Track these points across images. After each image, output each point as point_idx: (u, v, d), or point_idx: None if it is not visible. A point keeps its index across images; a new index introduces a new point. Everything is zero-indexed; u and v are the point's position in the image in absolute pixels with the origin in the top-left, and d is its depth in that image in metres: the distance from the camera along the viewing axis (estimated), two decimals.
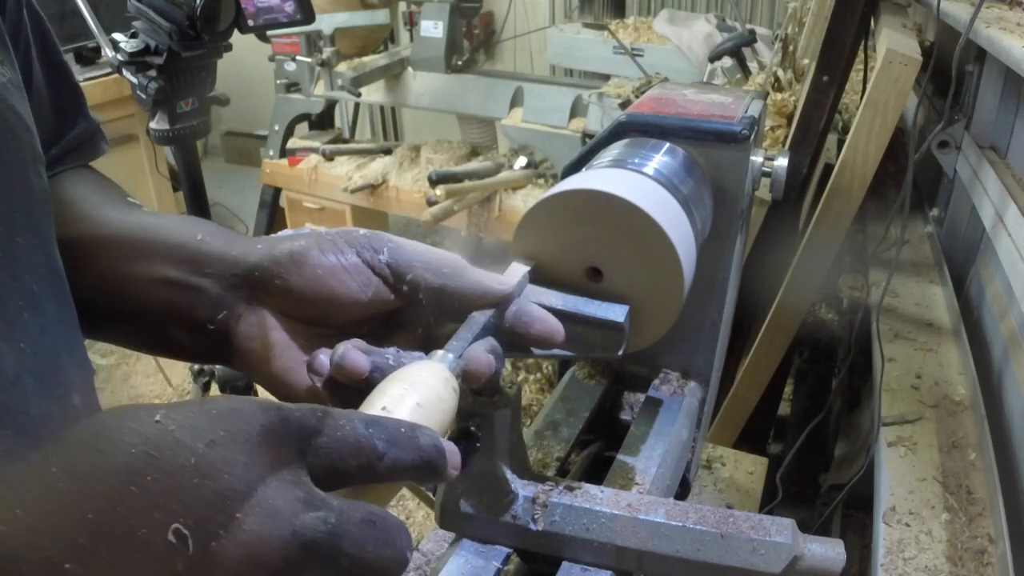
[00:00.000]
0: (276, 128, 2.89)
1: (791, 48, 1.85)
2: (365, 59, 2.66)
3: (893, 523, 0.77)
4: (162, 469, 0.28)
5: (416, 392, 0.37)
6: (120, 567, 0.27)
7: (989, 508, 0.78)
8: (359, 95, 2.52)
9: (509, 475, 0.49)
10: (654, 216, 0.48)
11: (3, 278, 0.45)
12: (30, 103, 0.52)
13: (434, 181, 2.32)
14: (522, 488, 0.50)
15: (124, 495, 0.27)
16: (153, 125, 1.22)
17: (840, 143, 1.76)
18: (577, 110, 2.38)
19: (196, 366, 1.43)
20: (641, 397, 0.71)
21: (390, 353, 0.41)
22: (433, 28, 2.48)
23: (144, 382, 2.63)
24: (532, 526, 0.49)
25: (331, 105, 3.01)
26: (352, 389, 0.40)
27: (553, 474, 0.59)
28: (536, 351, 0.47)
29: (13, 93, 0.49)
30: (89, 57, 2.98)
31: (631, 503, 0.49)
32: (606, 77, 2.65)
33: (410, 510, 2.13)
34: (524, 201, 2.41)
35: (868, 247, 1.40)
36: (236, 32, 1.23)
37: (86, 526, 0.27)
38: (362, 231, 0.49)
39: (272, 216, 3.02)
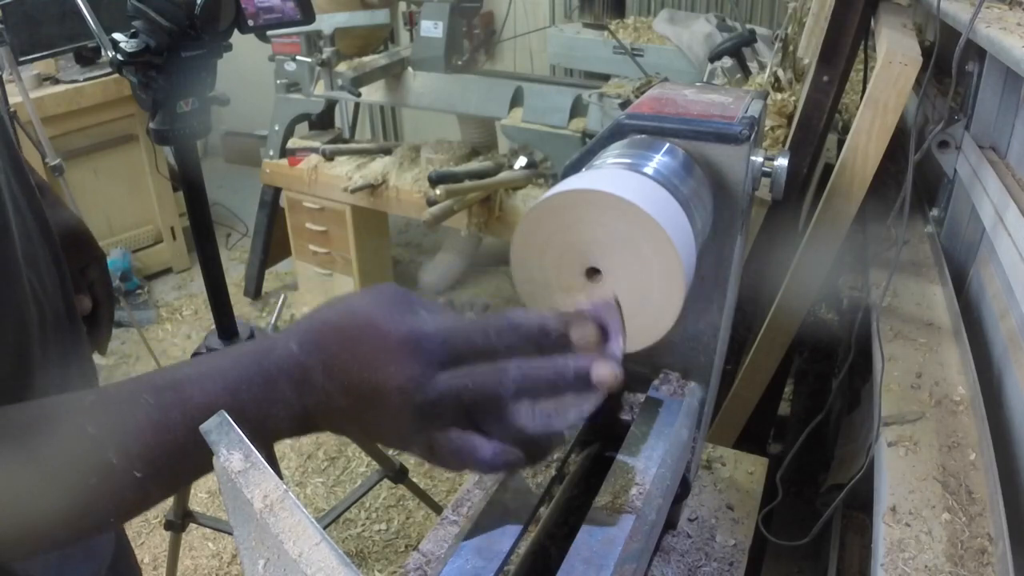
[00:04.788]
0: (276, 128, 2.89)
1: (791, 48, 1.85)
2: (365, 59, 2.66)
3: (893, 523, 0.77)
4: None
5: None
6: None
7: (989, 508, 0.78)
8: (359, 95, 2.52)
9: None
10: (654, 216, 0.48)
11: None
12: None
13: (434, 181, 2.31)
14: None
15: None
16: (153, 125, 1.22)
17: (840, 143, 1.76)
18: (577, 110, 2.37)
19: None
20: (641, 397, 0.71)
21: None
22: (433, 28, 2.48)
23: None
24: None
25: (331, 105, 3.01)
26: None
27: (553, 474, 0.59)
28: None
29: None
30: (89, 57, 2.98)
31: None
32: (606, 77, 2.65)
33: (410, 510, 2.13)
34: (524, 201, 2.41)
35: (868, 247, 1.40)
36: (236, 32, 1.23)
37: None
38: None
39: (272, 216, 3.02)
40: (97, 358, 0.80)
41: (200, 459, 0.42)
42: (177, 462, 0.43)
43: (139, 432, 0.42)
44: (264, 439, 0.44)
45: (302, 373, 0.44)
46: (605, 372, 0.44)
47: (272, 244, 3.06)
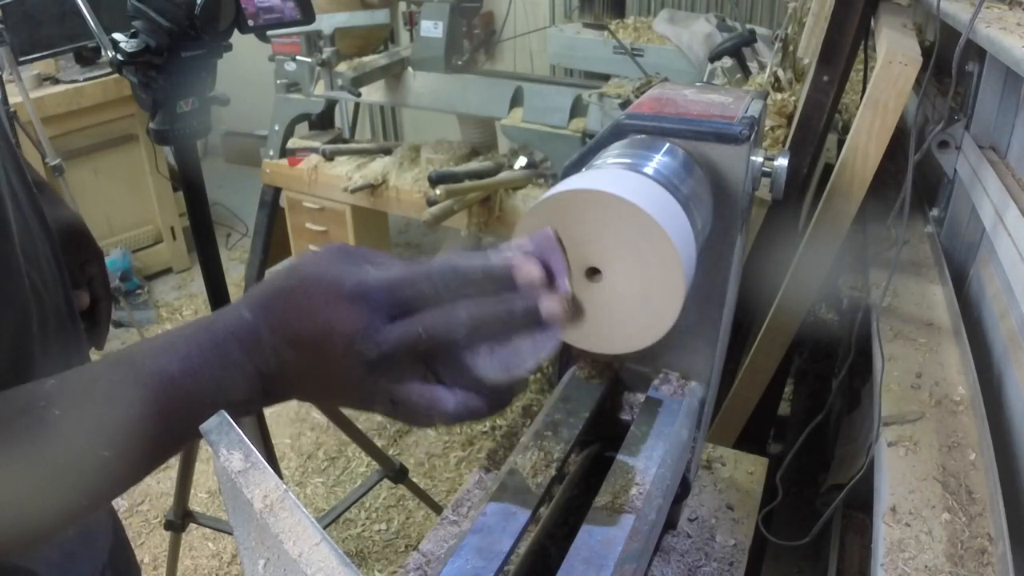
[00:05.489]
0: (276, 128, 2.89)
1: (791, 48, 1.85)
2: (365, 59, 2.66)
3: (893, 523, 0.77)
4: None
5: None
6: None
7: (989, 508, 0.78)
8: (359, 95, 2.52)
9: None
10: (654, 216, 0.48)
11: None
12: None
13: (434, 181, 2.31)
14: None
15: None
16: (153, 125, 1.22)
17: (840, 143, 1.76)
18: (577, 110, 2.37)
19: None
20: (641, 397, 0.71)
21: None
22: (433, 28, 2.48)
23: None
24: None
25: (331, 105, 3.01)
26: None
27: (553, 474, 0.59)
28: None
29: None
30: (89, 57, 2.98)
31: None
32: (606, 77, 2.65)
33: (410, 510, 2.13)
34: (524, 201, 2.41)
35: (868, 247, 1.40)
36: (236, 32, 1.23)
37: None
38: None
39: (272, 216, 3.01)
40: (96, 355, 0.80)
41: (164, 434, 0.42)
42: (141, 437, 0.43)
43: (100, 411, 0.42)
44: (223, 407, 0.44)
45: (250, 335, 0.45)
46: (552, 305, 0.45)
47: (272, 244, 3.06)
